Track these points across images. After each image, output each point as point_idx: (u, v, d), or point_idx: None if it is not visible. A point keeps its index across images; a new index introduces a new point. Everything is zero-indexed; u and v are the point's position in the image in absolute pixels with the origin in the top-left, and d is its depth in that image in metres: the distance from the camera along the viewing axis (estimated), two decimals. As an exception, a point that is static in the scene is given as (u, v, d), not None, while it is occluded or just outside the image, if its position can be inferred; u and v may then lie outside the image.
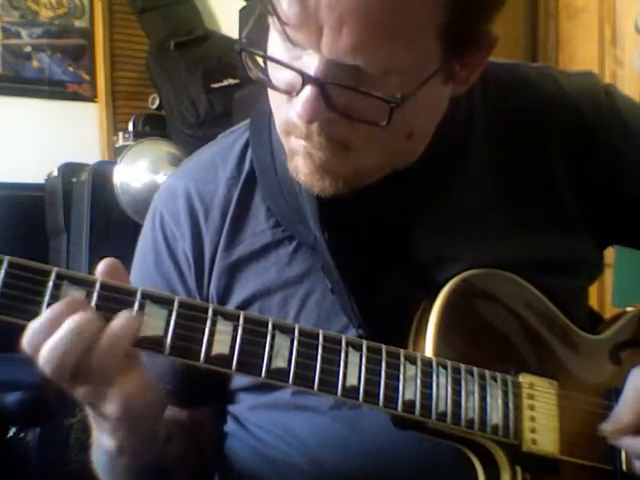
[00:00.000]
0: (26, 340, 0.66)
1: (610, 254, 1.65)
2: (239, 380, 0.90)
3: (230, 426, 0.95)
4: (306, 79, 0.71)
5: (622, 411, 0.83)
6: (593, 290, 1.01)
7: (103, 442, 0.78)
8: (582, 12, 2.54)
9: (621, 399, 0.84)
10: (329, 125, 0.74)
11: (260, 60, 0.76)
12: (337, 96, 0.72)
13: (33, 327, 0.66)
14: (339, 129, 0.75)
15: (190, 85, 3.17)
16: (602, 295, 2.13)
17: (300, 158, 0.79)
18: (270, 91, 0.79)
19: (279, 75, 0.75)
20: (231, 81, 3.08)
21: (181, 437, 0.90)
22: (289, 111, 0.75)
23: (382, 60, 0.70)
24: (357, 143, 0.77)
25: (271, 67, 0.76)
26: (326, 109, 0.72)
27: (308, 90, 0.71)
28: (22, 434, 2.40)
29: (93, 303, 0.68)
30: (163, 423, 0.83)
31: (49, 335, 0.66)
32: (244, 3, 2.88)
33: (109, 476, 0.87)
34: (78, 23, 3.52)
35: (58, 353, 0.65)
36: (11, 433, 2.39)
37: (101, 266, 0.71)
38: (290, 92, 0.73)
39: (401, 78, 0.72)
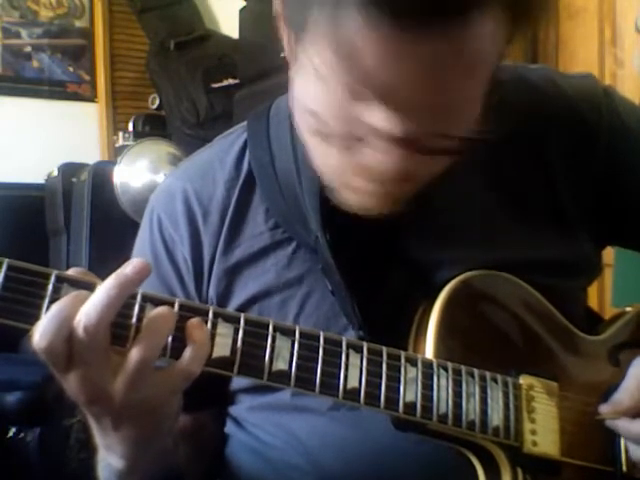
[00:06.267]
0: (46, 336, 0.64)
1: (610, 254, 1.65)
2: (238, 381, 0.90)
3: (229, 427, 0.95)
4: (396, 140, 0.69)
5: (622, 395, 0.83)
6: (593, 290, 1.02)
7: (112, 463, 0.78)
8: (582, 12, 2.54)
9: (622, 385, 0.84)
10: (405, 164, 0.72)
11: None
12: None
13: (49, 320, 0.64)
14: (412, 165, 0.72)
15: (190, 85, 3.17)
16: (602, 295, 2.13)
17: (357, 197, 0.77)
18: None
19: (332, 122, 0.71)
20: (231, 81, 3.08)
21: (186, 442, 0.90)
22: (356, 155, 0.72)
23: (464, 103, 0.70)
24: (423, 172, 0.75)
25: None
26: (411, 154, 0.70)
27: (397, 150, 0.69)
28: (22, 434, 2.40)
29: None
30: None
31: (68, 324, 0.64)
32: (244, 3, 2.88)
33: None
34: (78, 23, 3.53)
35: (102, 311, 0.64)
36: (11, 433, 2.39)
37: None
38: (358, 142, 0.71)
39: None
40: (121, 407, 0.67)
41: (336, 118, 0.69)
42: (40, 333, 0.64)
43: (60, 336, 0.64)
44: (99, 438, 0.75)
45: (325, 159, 0.77)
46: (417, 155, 0.70)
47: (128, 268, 0.66)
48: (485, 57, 0.67)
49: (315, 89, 0.69)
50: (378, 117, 0.67)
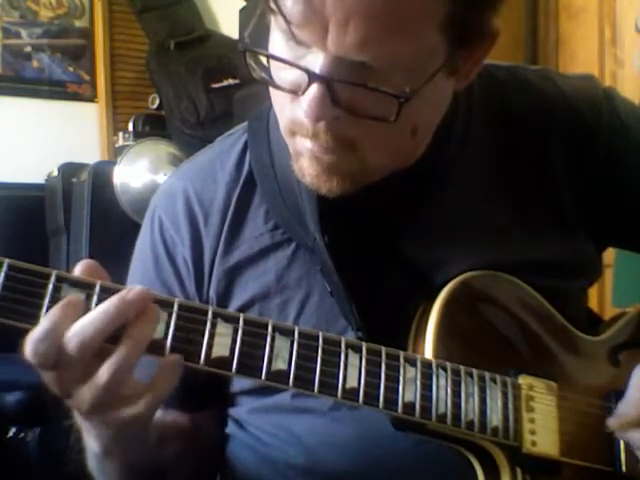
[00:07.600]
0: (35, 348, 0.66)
1: (610, 254, 1.65)
2: (239, 383, 0.90)
3: (231, 429, 0.95)
4: (312, 77, 0.70)
5: (628, 406, 0.83)
6: (593, 290, 1.01)
7: (90, 446, 0.79)
8: (582, 12, 2.54)
9: (626, 395, 0.84)
10: (336, 123, 0.74)
11: (264, 60, 0.75)
12: (343, 93, 0.71)
13: (36, 337, 0.66)
14: (346, 126, 0.74)
15: (190, 85, 3.17)
16: (602, 295, 2.13)
17: (306, 159, 0.79)
18: (273, 91, 0.78)
19: (283, 74, 0.74)
20: (231, 81, 3.08)
21: (179, 440, 0.90)
22: (295, 110, 0.75)
23: (388, 55, 0.70)
24: (363, 141, 0.77)
25: (274, 67, 0.75)
26: (333, 107, 0.71)
27: (315, 88, 0.70)
28: (22, 434, 2.40)
29: (93, 305, 0.68)
30: (155, 425, 0.82)
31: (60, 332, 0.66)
32: (244, 3, 2.88)
33: (101, 478, 0.87)
34: (78, 23, 3.52)
35: (89, 332, 0.66)
36: (11, 433, 2.39)
37: (78, 270, 0.70)
38: (295, 91, 0.73)
39: (407, 73, 0.71)
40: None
41: (284, 64, 0.73)
42: (32, 351, 0.66)
43: (51, 356, 0.66)
44: (78, 417, 0.76)
45: (281, 116, 0.79)
46: (343, 116, 0.72)
47: (129, 293, 0.67)
48: (415, 10, 0.68)
49: (273, 36, 0.74)
50: (308, 59, 0.71)
